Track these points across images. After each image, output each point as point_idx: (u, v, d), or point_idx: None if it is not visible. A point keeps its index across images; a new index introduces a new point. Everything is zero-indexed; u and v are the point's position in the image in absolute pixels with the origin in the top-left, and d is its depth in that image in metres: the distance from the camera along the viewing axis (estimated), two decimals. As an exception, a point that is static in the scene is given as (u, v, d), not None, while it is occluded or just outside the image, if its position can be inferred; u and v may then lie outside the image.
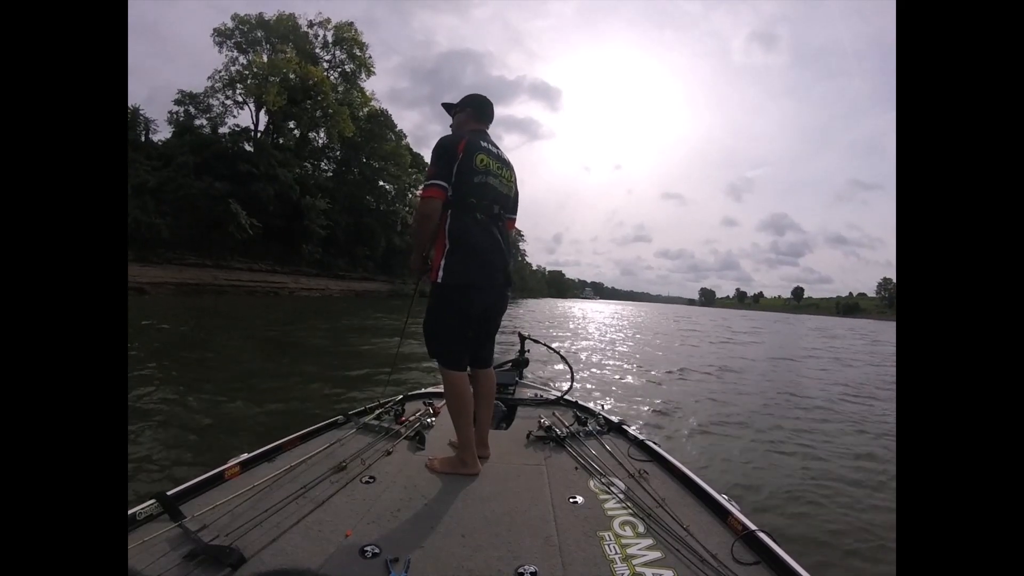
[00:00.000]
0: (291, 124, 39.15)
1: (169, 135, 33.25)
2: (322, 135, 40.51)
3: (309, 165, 40.08)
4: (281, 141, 38.71)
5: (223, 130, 35.20)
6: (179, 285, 24.17)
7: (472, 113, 1.93)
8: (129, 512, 1.22)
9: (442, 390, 2.80)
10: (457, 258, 1.74)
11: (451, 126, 1.98)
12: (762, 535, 1.23)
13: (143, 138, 32.76)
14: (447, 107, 2.02)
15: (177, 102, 34.15)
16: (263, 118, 37.14)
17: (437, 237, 1.76)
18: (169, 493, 1.32)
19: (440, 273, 1.74)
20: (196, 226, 27.87)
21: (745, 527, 1.28)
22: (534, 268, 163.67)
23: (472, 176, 1.75)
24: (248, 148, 35.26)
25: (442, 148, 1.75)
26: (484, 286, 1.79)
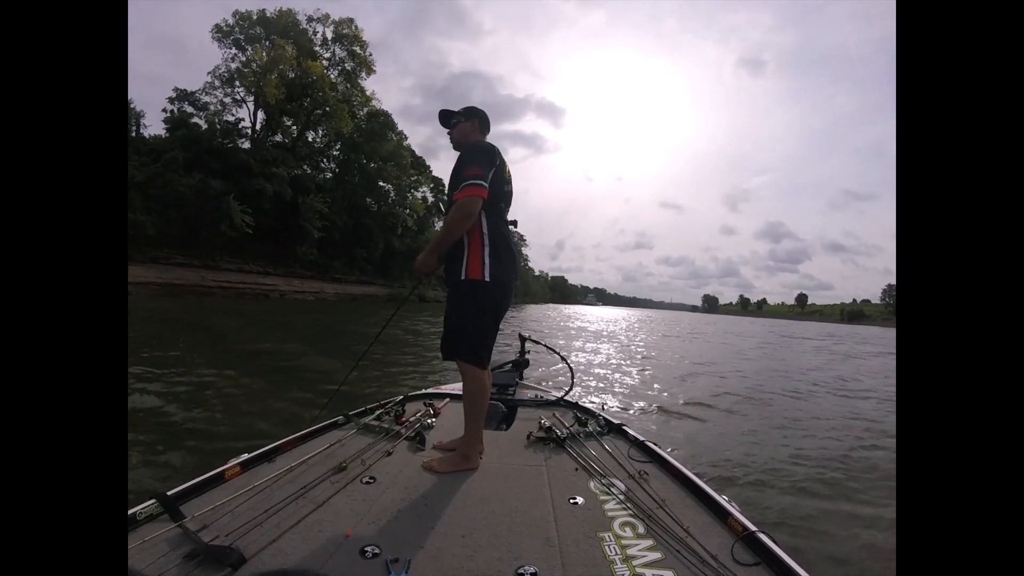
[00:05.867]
0: (288, 121, 38.77)
1: (163, 131, 32.51)
2: (320, 133, 40.24)
3: (307, 166, 39.65)
4: (278, 139, 38.29)
5: (217, 126, 34.51)
6: (163, 285, 23.28)
7: (478, 124, 1.99)
8: (129, 512, 1.22)
9: (442, 391, 2.82)
10: (499, 257, 1.80)
11: (451, 134, 2.01)
12: (762, 536, 1.22)
13: (133, 132, 32.03)
14: (446, 114, 2.04)
15: (172, 99, 33.61)
16: (260, 116, 36.84)
17: (471, 237, 1.79)
18: (169, 493, 1.32)
19: (486, 272, 1.77)
20: (185, 224, 27.05)
21: (745, 528, 1.27)
22: (536, 273, 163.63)
23: (503, 184, 1.86)
24: (242, 145, 34.74)
25: (488, 152, 1.80)
26: (513, 283, 1.88)
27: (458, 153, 1.95)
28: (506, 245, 1.84)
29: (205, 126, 33.83)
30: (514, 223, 1.97)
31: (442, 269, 1.91)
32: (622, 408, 5.84)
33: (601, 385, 7.43)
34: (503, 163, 1.85)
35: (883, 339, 33.24)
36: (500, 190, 1.84)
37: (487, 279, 1.77)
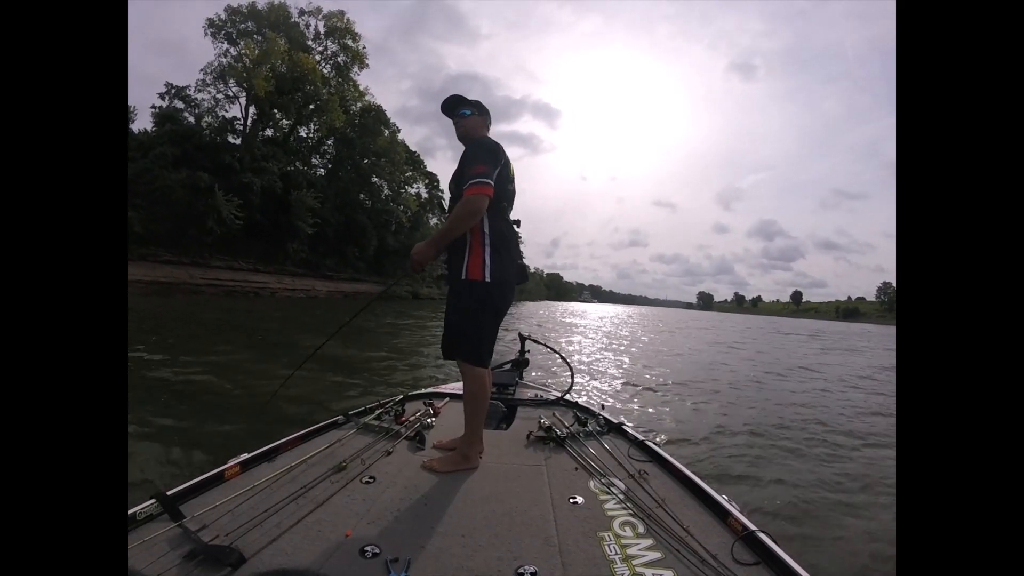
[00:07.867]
0: (279, 115, 38.09)
1: (151, 126, 31.53)
2: (312, 128, 39.70)
3: (299, 163, 38.99)
4: (269, 134, 37.73)
5: (207, 120, 33.80)
6: (150, 283, 22.33)
7: (484, 120, 1.97)
8: (129, 512, 1.21)
9: (442, 390, 2.82)
10: (501, 257, 1.79)
11: (458, 125, 1.94)
12: (762, 535, 1.23)
13: (123, 129, 31.32)
14: (456, 100, 1.94)
15: (163, 95, 32.93)
16: (252, 111, 36.04)
17: (472, 236, 1.79)
18: (169, 493, 1.32)
19: (486, 272, 1.76)
20: (173, 220, 26.30)
21: (745, 527, 1.28)
22: (532, 271, 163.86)
23: (507, 183, 1.85)
24: (232, 140, 34.15)
25: (494, 151, 1.79)
26: (515, 283, 1.87)
27: (462, 145, 1.91)
28: (507, 245, 1.82)
29: (193, 121, 33.10)
30: (517, 223, 1.96)
31: (441, 266, 1.91)
32: (621, 389, 6.51)
33: (600, 375, 7.86)
34: (507, 162, 1.84)
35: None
36: (504, 189, 1.83)
37: (487, 279, 1.76)
